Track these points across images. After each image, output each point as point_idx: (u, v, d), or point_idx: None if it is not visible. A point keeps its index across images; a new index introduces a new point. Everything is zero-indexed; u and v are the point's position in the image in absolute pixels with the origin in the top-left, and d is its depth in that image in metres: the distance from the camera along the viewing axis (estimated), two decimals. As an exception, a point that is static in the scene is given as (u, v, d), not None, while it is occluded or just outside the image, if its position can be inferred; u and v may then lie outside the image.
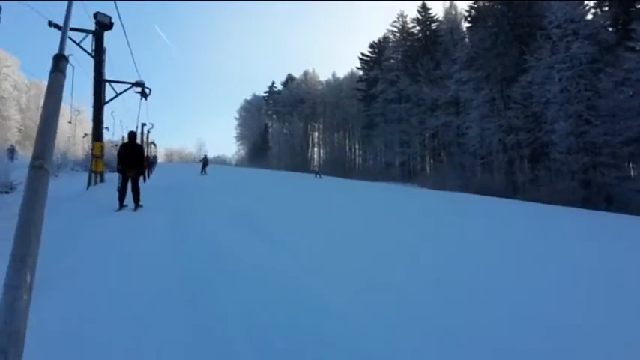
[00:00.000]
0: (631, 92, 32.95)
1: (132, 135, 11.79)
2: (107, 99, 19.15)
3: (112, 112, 48.16)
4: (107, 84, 19.23)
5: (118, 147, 15.09)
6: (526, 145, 41.61)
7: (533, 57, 39.62)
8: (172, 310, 4.24)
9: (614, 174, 33.44)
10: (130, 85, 20.38)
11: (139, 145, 12.04)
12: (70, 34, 17.86)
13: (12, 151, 41.11)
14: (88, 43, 17.85)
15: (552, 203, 35.07)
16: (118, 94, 20.09)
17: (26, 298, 0.99)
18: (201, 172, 35.87)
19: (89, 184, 17.38)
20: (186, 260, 6.24)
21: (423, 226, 11.91)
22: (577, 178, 36.34)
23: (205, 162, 38.37)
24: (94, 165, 18.05)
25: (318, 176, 41.96)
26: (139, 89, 20.76)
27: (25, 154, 52.49)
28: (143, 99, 22.44)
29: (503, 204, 26.44)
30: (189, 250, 6.94)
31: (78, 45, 17.50)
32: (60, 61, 1.48)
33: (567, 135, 35.96)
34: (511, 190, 41.00)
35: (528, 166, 42.26)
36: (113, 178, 18.62)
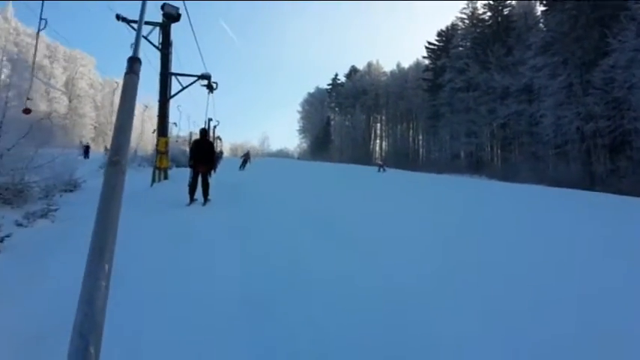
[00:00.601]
0: None
1: (203, 132, 12.14)
2: (173, 93, 18.71)
3: (179, 106, 49.50)
4: (173, 78, 18.79)
5: (189, 142, 15.55)
6: (606, 133, 39.05)
7: (617, 39, 37.02)
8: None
9: None
10: (196, 79, 19.79)
11: (209, 141, 12.35)
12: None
13: (87, 148, 41.92)
14: (155, 36, 17.57)
15: (636, 195, 32.90)
16: (183, 88, 19.40)
17: (104, 287, 1.06)
18: (240, 167, 33.96)
19: (153, 180, 16.84)
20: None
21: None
22: (665, 167, 33.79)
23: (247, 157, 37.18)
24: (159, 161, 17.41)
25: (382, 170, 39.53)
26: (205, 82, 20.54)
27: (98, 149, 54.80)
28: (210, 92, 22.56)
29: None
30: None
31: (145, 38, 17.07)
32: (134, 64, 1.57)
33: (655, 122, 33.42)
34: (588, 182, 38.69)
35: (608, 156, 39.62)
36: (178, 174, 18.72)
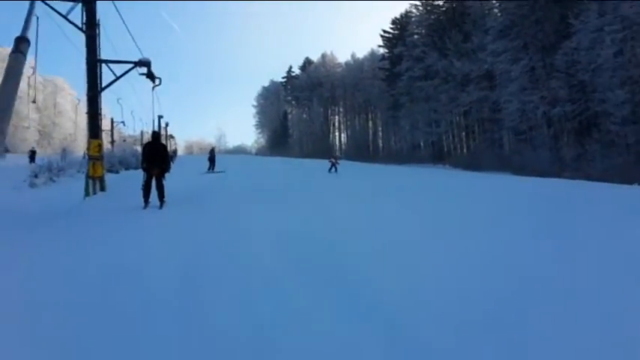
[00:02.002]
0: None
1: (155, 134, 12.19)
2: (108, 85, 15.90)
3: (119, 99, 45.01)
4: (105, 67, 15.87)
5: (142, 142, 13.71)
6: (573, 117, 38.21)
7: (579, 20, 36.04)
8: None
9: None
10: (132, 66, 16.63)
11: (162, 144, 12.13)
12: (54, 4, 14.52)
13: (33, 153, 39.87)
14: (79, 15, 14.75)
15: (607, 181, 32.01)
16: (118, 77, 16.38)
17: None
18: (208, 169, 28.45)
19: (86, 193, 14.08)
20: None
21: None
22: (635, 150, 33.03)
23: (212, 156, 30.26)
24: (92, 169, 14.57)
25: (333, 168, 29.01)
26: (144, 70, 17.18)
27: (45, 152, 51.06)
28: (154, 86, 19.89)
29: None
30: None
31: (64, 17, 14.40)
32: (21, 43, 1.29)
33: (623, 103, 32.53)
34: (557, 168, 37.79)
35: (576, 140, 38.82)
36: (122, 181, 16.24)
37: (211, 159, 29.62)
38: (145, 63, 16.84)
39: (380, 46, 72.68)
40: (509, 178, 30.34)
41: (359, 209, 11.04)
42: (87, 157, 15.44)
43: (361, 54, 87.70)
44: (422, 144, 62.99)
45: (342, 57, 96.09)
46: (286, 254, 6.28)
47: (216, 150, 38.72)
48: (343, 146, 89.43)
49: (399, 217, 9.72)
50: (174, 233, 7.88)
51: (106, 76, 16.31)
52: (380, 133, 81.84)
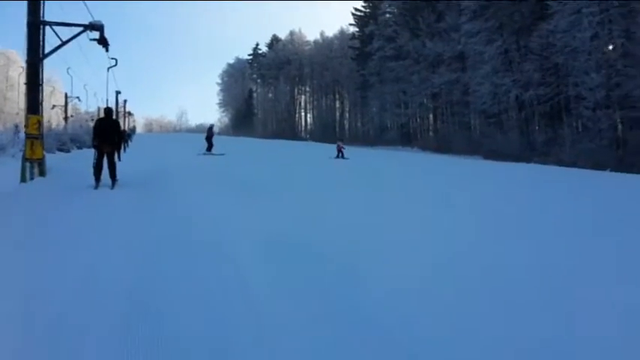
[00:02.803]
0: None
1: (108, 110, 11.81)
2: (54, 52, 13.53)
3: (68, 68, 40.91)
4: (50, 31, 13.38)
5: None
6: (544, 100, 37.64)
7: (557, 1, 35.22)
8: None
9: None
10: (81, 29, 14.19)
11: (115, 120, 12.03)
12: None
13: None
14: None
15: (579, 166, 31.57)
16: (64, 43, 14.01)
17: None
18: (207, 150, 25.55)
19: (23, 178, 11.83)
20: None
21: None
22: (607, 136, 32.65)
23: (210, 135, 26.85)
24: (29, 149, 12.27)
25: (340, 155, 27.50)
26: (96, 35, 14.67)
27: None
28: (109, 67, 17.96)
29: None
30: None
31: None
32: None
33: (598, 88, 31.99)
34: (528, 152, 37.29)
35: (548, 124, 38.36)
36: (68, 163, 15.38)
37: (209, 138, 26.31)
38: (96, 27, 14.46)
39: (351, 24, 71.03)
40: (492, 163, 30.05)
41: (358, 202, 9.67)
42: (25, 135, 12.96)
43: (331, 32, 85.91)
44: (390, 126, 61.96)
45: (311, 35, 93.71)
46: (286, 284, 4.15)
47: (176, 128, 35.24)
48: (309, 127, 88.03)
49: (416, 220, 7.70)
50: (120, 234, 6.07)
51: (52, 42, 14.07)
52: (347, 114, 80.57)
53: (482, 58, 42.58)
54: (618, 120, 31.95)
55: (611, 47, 32.48)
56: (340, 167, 21.47)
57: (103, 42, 15.16)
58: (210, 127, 28.13)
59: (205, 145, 25.85)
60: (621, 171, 27.81)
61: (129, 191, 9.97)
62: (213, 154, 24.46)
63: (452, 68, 47.83)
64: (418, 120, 57.53)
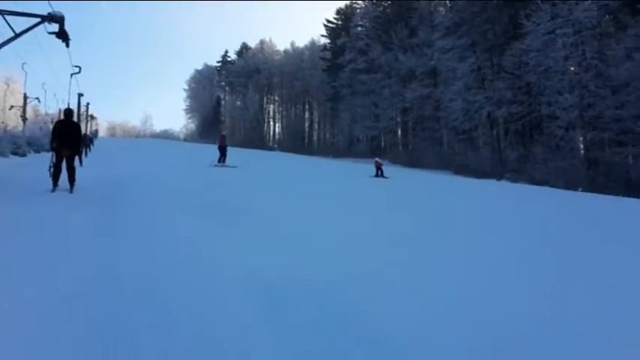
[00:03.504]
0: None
1: (68, 112, 11.20)
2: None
3: (24, 64, 38.38)
4: (3, 24, 12.14)
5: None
6: (517, 118, 37.89)
7: (531, 21, 35.54)
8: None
9: (630, 152, 29.85)
10: (38, 20, 12.89)
11: (75, 122, 11.37)
12: None
13: None
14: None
15: (550, 184, 31.72)
16: (17, 35, 12.65)
17: None
18: (218, 161, 23.70)
19: None
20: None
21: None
22: (579, 155, 32.99)
23: (223, 144, 24.67)
24: None
25: (379, 172, 24.92)
26: (55, 28, 13.48)
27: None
28: (72, 73, 16.81)
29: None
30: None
31: None
32: None
33: (572, 108, 32.28)
34: (499, 169, 37.41)
35: (520, 143, 38.60)
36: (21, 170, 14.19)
37: (221, 148, 24.15)
38: (55, 18, 13.17)
39: (322, 35, 70.87)
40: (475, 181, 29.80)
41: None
42: None
43: (301, 43, 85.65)
44: (360, 138, 61.70)
45: (282, 45, 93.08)
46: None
47: (140, 134, 32.10)
48: (277, 136, 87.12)
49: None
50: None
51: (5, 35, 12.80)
52: (316, 125, 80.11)
53: (454, 74, 42.76)
54: (590, 140, 32.25)
55: (583, 68, 32.80)
56: (395, 192, 18.44)
57: (63, 36, 13.88)
58: (223, 137, 26.02)
59: (217, 155, 23.97)
60: (593, 191, 28.06)
61: (86, 208, 8.61)
62: (227, 166, 22.77)
63: (424, 83, 47.88)
64: (389, 133, 57.26)
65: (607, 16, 33.70)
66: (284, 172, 25.03)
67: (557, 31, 33.72)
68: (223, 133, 27.39)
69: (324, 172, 28.60)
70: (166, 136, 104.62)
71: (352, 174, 27.27)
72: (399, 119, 54.99)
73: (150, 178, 15.08)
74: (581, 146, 33.89)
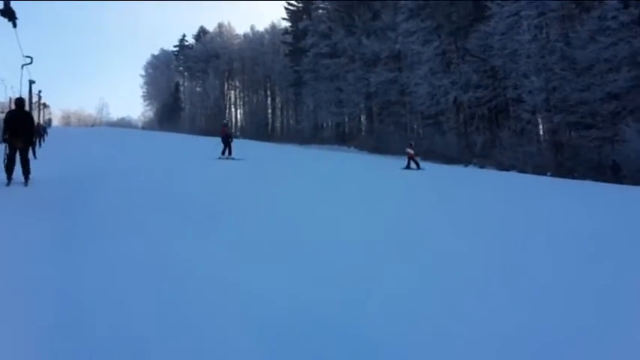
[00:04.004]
0: (609, 42, 29.20)
1: (19, 101, 10.63)
2: None
3: None
4: None
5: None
6: (484, 102, 37.62)
7: (495, 2, 35.10)
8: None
9: (595, 134, 29.88)
10: None
11: (27, 112, 10.96)
12: None
13: None
14: None
15: (518, 169, 31.65)
16: None
17: None
18: (222, 153, 20.42)
19: None
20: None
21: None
22: (546, 139, 32.98)
23: (228, 135, 21.46)
24: None
25: (413, 164, 22.13)
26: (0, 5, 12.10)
27: None
28: (24, 64, 16.19)
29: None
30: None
31: None
32: None
33: (538, 91, 32.11)
34: (467, 154, 37.21)
35: (487, 127, 38.43)
36: None
37: (226, 139, 20.83)
38: None
39: (284, 19, 68.90)
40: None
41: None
42: None
43: (261, 27, 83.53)
44: (326, 124, 60.84)
45: (241, 28, 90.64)
46: None
47: (96, 122, 27.76)
48: (239, 123, 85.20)
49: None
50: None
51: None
52: (278, 112, 78.64)
53: (420, 58, 42.11)
54: (557, 123, 32.20)
55: (548, 51, 32.63)
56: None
57: (8, 14, 12.22)
58: (226, 124, 23.45)
59: (221, 146, 20.68)
60: (561, 175, 28.05)
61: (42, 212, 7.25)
62: (232, 159, 19.98)
63: (389, 68, 47.06)
64: (354, 119, 56.48)
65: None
66: (295, 165, 23.02)
67: (522, 13, 33.45)
68: (225, 122, 24.68)
69: (328, 165, 24.97)
70: (124, 124, 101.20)
71: (373, 168, 24.46)
72: (365, 104, 54.07)
73: (115, 171, 13.77)
74: (541, 131, 33.85)
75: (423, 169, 21.84)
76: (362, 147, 48.96)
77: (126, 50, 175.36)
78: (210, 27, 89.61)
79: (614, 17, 29.02)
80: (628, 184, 23.74)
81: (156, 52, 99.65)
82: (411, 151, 22.48)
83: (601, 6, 29.64)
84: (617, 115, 28.99)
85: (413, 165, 22.04)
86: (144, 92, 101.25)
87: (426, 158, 39.05)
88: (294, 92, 65.72)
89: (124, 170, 14.37)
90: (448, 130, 40.67)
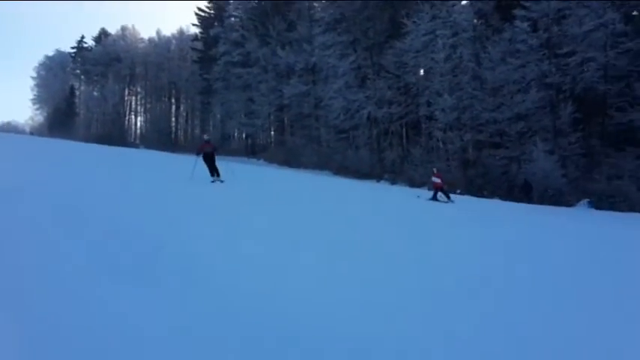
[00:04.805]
0: (519, 64, 30.48)
1: None
2: None
3: None
4: None
5: None
6: (397, 118, 37.89)
7: (412, 21, 35.65)
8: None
9: (503, 153, 30.86)
10: None
11: None
12: None
13: None
14: None
15: (428, 186, 31.85)
16: None
17: None
18: (212, 175, 15.81)
19: None
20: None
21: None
22: (457, 157, 33.62)
23: (209, 149, 16.12)
24: None
25: (441, 195, 19.39)
26: None
27: None
28: None
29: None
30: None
31: None
32: None
33: (450, 109, 32.75)
34: (379, 169, 37.18)
35: (399, 143, 38.70)
36: None
37: (208, 157, 15.94)
38: None
39: (194, 24, 66.22)
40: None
41: None
42: None
43: (168, 31, 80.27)
44: (236, 135, 58.96)
45: (146, 32, 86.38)
46: None
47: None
48: (140, 131, 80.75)
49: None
50: None
51: None
52: (183, 120, 75.45)
53: (335, 72, 41.78)
54: (467, 142, 32.94)
55: (461, 70, 33.50)
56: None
57: None
58: (208, 141, 17.03)
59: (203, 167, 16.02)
60: (471, 193, 28.49)
61: None
62: (221, 181, 15.80)
63: (303, 80, 46.35)
64: (265, 131, 55.07)
65: (480, 20, 34.73)
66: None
67: (437, 32, 34.14)
68: (207, 138, 17.86)
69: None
70: (8, 128, 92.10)
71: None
72: (278, 116, 52.84)
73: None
74: (452, 149, 34.52)
75: (452, 202, 18.95)
76: (272, 159, 47.60)
77: (14, 50, 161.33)
78: (113, 29, 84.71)
79: (522, 40, 30.33)
80: (535, 203, 24.54)
81: (50, 54, 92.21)
82: (438, 181, 19.36)
83: (511, 28, 30.88)
84: (524, 135, 30.13)
85: (441, 196, 19.07)
86: (34, 95, 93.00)
87: (337, 173, 38.81)
88: (201, 101, 63.23)
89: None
90: (362, 145, 40.49)
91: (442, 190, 19.14)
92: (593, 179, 25.99)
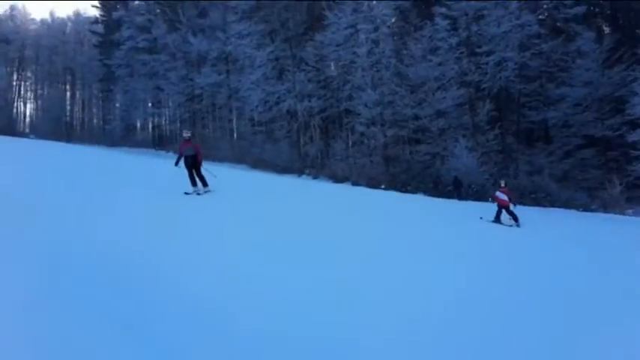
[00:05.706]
0: (439, 61, 30.87)
1: None
2: None
3: None
4: None
5: None
6: (318, 112, 37.16)
7: (333, 13, 34.95)
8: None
9: (426, 149, 31.14)
10: None
11: None
12: None
13: None
14: None
15: (353, 181, 31.51)
16: None
17: None
18: (194, 182, 12.08)
19: None
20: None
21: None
22: (379, 152, 33.53)
23: (192, 151, 12.08)
24: None
25: (510, 219, 14.91)
26: None
27: None
28: None
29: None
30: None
31: None
32: None
33: (373, 104, 32.52)
34: (300, 164, 36.30)
35: (322, 138, 37.98)
36: None
37: (192, 164, 12.09)
38: None
39: (94, 6, 60.95)
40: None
41: None
42: None
43: (63, 13, 73.81)
44: (142, 126, 55.34)
45: (38, 13, 78.93)
46: None
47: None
48: (29, 119, 73.76)
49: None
50: None
51: None
52: (77, 108, 69.81)
53: (252, 62, 40.12)
54: (390, 137, 32.91)
55: (383, 66, 33.38)
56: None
57: None
58: (189, 139, 12.80)
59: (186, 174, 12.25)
60: (394, 188, 28.38)
61: None
62: (209, 191, 12.27)
63: (217, 69, 44.15)
64: (175, 122, 52.06)
65: (399, 16, 34.83)
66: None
67: (359, 26, 33.75)
68: (187, 136, 13.15)
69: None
70: None
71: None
72: (184, 107, 50.04)
73: None
74: (375, 144, 34.43)
75: (518, 226, 14.66)
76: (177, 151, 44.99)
77: None
78: (0, 9, 76.55)
79: (442, 38, 30.74)
80: (461, 199, 24.81)
81: None
82: (505, 197, 15.16)
83: (432, 26, 31.16)
84: (445, 131, 30.58)
85: (506, 219, 14.95)
86: None
87: (255, 167, 37.38)
88: (101, 88, 58.66)
89: None
90: (281, 138, 39.26)
91: (507, 211, 15.08)
92: (510, 175, 26.85)
